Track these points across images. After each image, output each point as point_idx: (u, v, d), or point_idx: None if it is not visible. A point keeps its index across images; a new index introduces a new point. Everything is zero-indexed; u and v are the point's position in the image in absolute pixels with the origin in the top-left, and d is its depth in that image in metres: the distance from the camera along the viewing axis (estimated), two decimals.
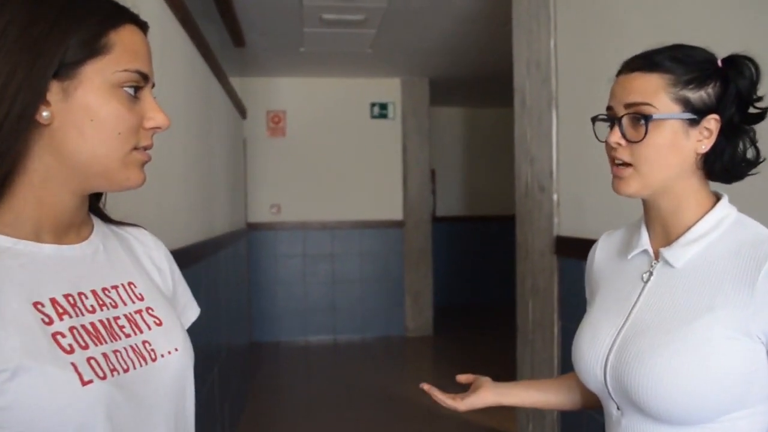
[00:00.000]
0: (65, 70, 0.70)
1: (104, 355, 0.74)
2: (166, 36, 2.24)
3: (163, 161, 2.11)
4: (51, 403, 0.66)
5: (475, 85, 6.83)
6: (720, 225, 0.96)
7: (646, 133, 0.95)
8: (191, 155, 2.67)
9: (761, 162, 0.98)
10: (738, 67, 0.94)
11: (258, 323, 6.34)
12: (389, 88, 6.58)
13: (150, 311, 0.85)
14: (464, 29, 4.75)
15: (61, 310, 0.73)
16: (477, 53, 5.46)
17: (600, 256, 1.20)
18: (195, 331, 2.59)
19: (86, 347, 0.72)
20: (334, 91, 6.50)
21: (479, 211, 8.27)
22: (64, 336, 0.71)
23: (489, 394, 1.26)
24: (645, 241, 1.05)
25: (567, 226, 2.70)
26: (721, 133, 0.94)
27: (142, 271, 0.90)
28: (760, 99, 0.96)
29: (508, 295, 4.05)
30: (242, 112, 5.27)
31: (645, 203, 1.05)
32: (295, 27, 4.74)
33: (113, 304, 0.80)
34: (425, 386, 1.31)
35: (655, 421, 0.96)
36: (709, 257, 0.95)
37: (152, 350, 0.81)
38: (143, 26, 0.80)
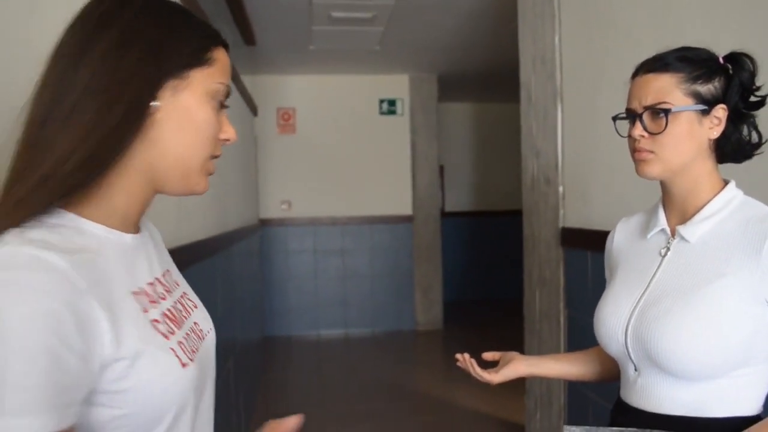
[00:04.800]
0: (179, 70, 0.78)
1: (185, 337, 0.82)
2: None
3: None
4: (161, 386, 0.73)
5: (483, 81, 6.88)
6: (729, 204, 1.09)
7: (666, 125, 1.08)
8: None
9: (764, 143, 1.12)
10: (739, 62, 1.09)
11: (270, 318, 6.43)
12: (398, 85, 6.64)
13: (186, 296, 0.93)
14: (471, 26, 4.80)
15: (151, 298, 0.79)
16: (484, 49, 5.51)
17: (619, 237, 1.31)
18: (212, 323, 2.67)
19: (173, 332, 0.79)
20: (343, 87, 6.57)
21: (488, 206, 8.32)
22: (158, 322, 0.77)
23: (521, 366, 1.36)
24: (663, 221, 1.18)
25: (572, 217, 2.76)
26: (729, 120, 1.08)
27: (169, 258, 0.97)
28: (759, 88, 1.10)
29: (517, 289, 4.11)
30: (253, 109, 5.35)
31: (663, 185, 1.17)
32: (304, 25, 4.81)
33: (169, 290, 0.87)
34: (461, 357, 1.40)
35: (668, 378, 1.09)
36: (720, 232, 1.08)
37: (200, 330, 0.89)
38: (228, 50, 0.89)
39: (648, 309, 1.11)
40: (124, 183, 0.78)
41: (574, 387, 2.75)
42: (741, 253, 1.03)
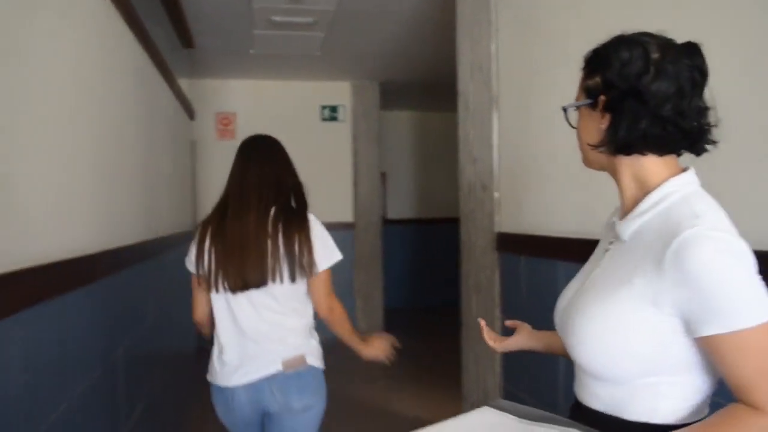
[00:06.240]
0: None
1: None
2: (111, 35, 2.23)
3: (109, 159, 2.11)
4: None
5: (425, 89, 6.94)
6: (662, 202, 1.02)
7: (567, 120, 1.14)
8: (137, 154, 2.66)
9: (671, 133, 1.01)
10: (606, 58, 1.06)
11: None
12: (339, 91, 6.62)
13: None
14: (412, 33, 4.83)
15: None
16: (425, 57, 5.56)
17: (605, 224, 1.29)
18: (140, 332, 2.57)
19: None
20: (285, 93, 6.50)
21: (429, 214, 8.37)
22: None
23: (523, 338, 1.44)
24: (617, 214, 1.15)
25: (507, 223, 2.80)
26: (613, 110, 1.04)
27: None
28: (629, 79, 1.02)
29: (457, 295, 4.13)
30: (190, 113, 5.23)
31: None
32: (244, 29, 4.74)
33: None
34: (482, 321, 1.50)
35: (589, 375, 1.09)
36: (644, 233, 1.03)
37: None
38: None
39: (574, 302, 1.11)
40: None
41: (510, 391, 2.78)
42: (650, 259, 0.99)
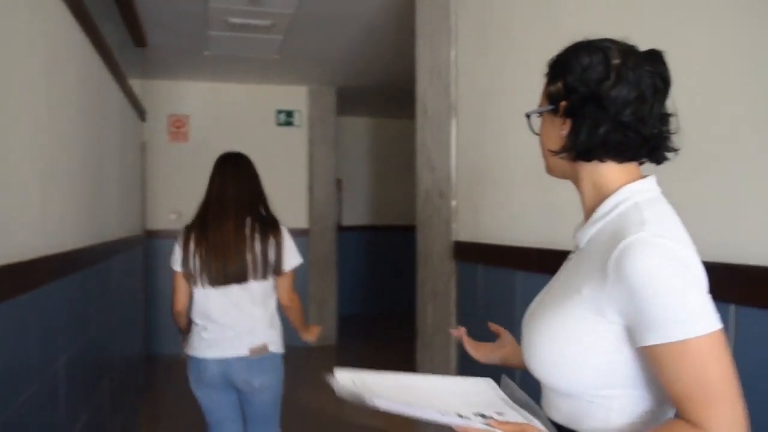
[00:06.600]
0: None
1: None
2: (58, 29, 2.13)
3: (51, 159, 2.00)
4: None
5: (382, 95, 6.93)
6: (616, 209, 1.01)
7: (530, 127, 1.12)
8: (82, 154, 2.55)
9: (631, 139, 1.00)
10: (568, 63, 1.05)
11: (155, 336, 6.09)
12: (296, 96, 6.55)
13: None
14: (371, 39, 4.81)
15: None
16: (384, 64, 5.55)
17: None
18: (84, 342, 2.46)
19: None
20: (240, 96, 6.40)
21: (385, 221, 8.36)
22: None
23: (506, 353, 1.37)
24: (581, 222, 1.11)
25: (464, 231, 2.79)
26: (574, 116, 1.03)
27: None
28: (590, 84, 1.01)
29: (412, 303, 4.11)
30: (141, 114, 5.08)
31: None
32: (200, 29, 4.63)
33: None
34: (454, 330, 1.45)
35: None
36: (597, 240, 1.02)
37: None
38: None
39: (533, 314, 1.10)
40: None
41: None
42: (596, 266, 0.97)
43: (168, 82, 6.19)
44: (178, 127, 6.24)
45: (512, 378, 1.14)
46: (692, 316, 0.88)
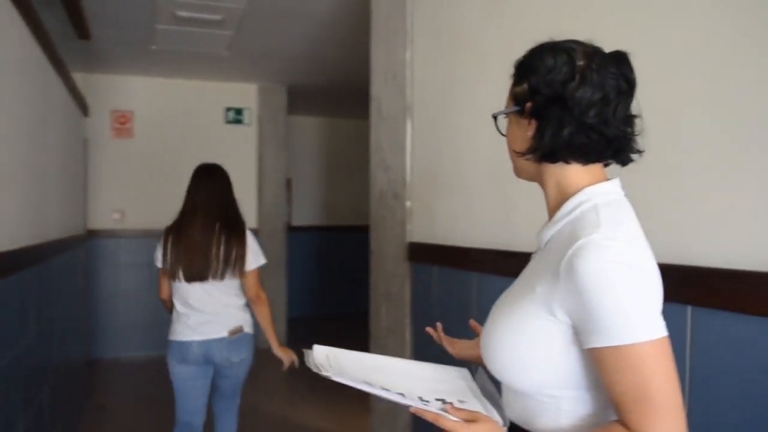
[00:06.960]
0: None
1: None
2: None
3: None
4: None
5: (334, 94, 6.88)
6: (575, 210, 1.01)
7: (497, 128, 1.12)
8: (20, 150, 2.43)
9: (595, 141, 1.00)
10: (533, 65, 1.04)
11: (96, 339, 5.88)
12: (245, 94, 6.44)
13: None
14: (324, 36, 4.77)
15: None
16: (336, 62, 5.50)
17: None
18: (22, 346, 2.35)
19: None
20: (187, 93, 6.24)
21: (336, 221, 8.31)
22: None
23: (478, 351, 1.31)
24: (546, 222, 1.10)
25: (419, 232, 2.78)
26: (539, 117, 1.03)
27: None
28: (554, 86, 1.01)
29: (364, 304, 4.09)
30: (84, 109, 4.89)
31: None
32: (146, 23, 4.49)
33: None
34: (431, 330, 1.48)
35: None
36: (556, 240, 1.02)
37: None
38: None
39: (494, 309, 1.10)
40: None
41: None
42: (551, 267, 0.97)
43: (112, 77, 5.99)
44: (122, 123, 6.05)
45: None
46: (637, 322, 0.88)
